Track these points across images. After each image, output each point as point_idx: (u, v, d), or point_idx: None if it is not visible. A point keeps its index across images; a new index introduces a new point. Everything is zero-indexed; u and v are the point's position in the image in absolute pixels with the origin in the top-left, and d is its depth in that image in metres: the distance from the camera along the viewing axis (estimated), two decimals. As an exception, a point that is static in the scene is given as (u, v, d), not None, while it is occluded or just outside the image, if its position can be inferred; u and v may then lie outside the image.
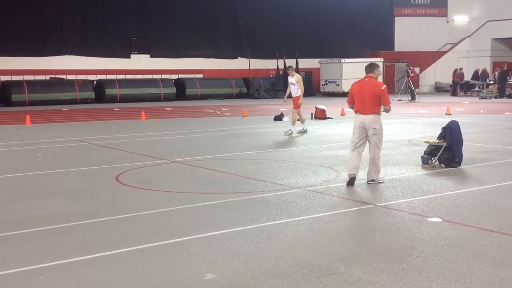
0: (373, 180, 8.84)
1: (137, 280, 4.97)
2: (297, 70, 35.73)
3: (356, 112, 8.82)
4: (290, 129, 15.69)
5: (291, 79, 16.20)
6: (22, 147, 14.00)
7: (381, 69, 10.01)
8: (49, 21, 31.64)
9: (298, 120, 16.21)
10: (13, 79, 29.69)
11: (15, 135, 16.67)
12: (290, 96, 16.42)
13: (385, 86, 8.79)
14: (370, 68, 8.95)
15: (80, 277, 5.06)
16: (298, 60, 35.87)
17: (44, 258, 5.51)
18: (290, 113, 16.62)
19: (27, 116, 19.96)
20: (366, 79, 8.91)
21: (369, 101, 8.61)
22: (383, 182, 8.87)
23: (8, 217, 7.22)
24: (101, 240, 6.16)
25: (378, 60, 37.35)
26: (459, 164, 10.13)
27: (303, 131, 15.97)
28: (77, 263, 5.41)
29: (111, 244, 5.93)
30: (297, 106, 15.88)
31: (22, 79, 29.68)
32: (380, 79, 32.05)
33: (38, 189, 8.98)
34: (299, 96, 15.97)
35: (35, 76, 30.51)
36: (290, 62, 35.20)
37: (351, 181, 8.69)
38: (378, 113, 8.67)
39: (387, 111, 8.89)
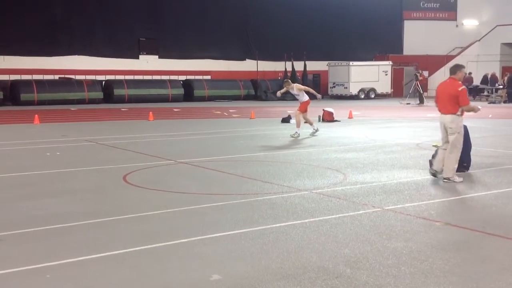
0: (447, 179, 9.12)
1: (142, 280, 4.97)
2: (305, 72, 35.92)
3: (439, 111, 9.35)
4: (296, 132, 15.67)
5: (292, 91, 16.30)
6: (30, 146, 14.06)
7: (466, 70, 10.36)
8: (58, 21, 31.82)
9: (305, 122, 16.23)
10: (22, 78, 29.88)
11: (23, 134, 16.75)
12: (293, 98, 16.60)
13: (463, 87, 9.07)
14: (453, 69, 9.32)
15: (87, 276, 5.07)
16: (306, 62, 35.87)
17: (51, 257, 5.53)
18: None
19: (36, 116, 20.07)
20: (448, 80, 9.31)
21: (447, 102, 9.09)
22: (458, 181, 9.07)
23: (15, 215, 7.25)
24: (107, 239, 6.17)
25: (387, 64, 37.43)
26: (467, 169, 10.08)
27: (316, 130, 16.12)
28: (83, 262, 5.42)
29: (117, 244, 5.94)
30: (302, 109, 15.91)
31: (31, 78, 29.87)
32: (388, 82, 31.90)
33: (45, 188, 9.01)
34: (309, 100, 16.08)
35: (44, 75, 30.70)
36: (299, 64, 35.29)
37: (433, 175, 9.37)
38: (455, 113, 9.03)
39: (467, 110, 9.25)
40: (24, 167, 10.92)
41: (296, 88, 16.14)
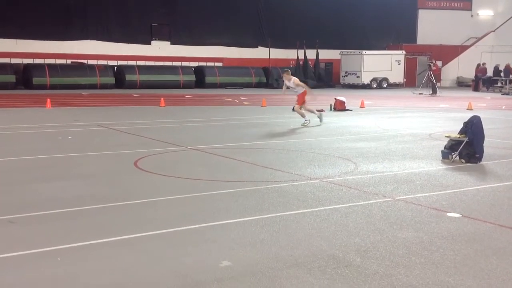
0: None
1: (152, 265, 4.99)
2: (317, 60, 35.69)
3: None
4: (306, 120, 15.56)
5: (288, 83, 15.81)
6: (42, 130, 14.13)
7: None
8: (72, 5, 31.83)
9: (310, 112, 16.08)
10: (35, 62, 29.98)
11: (36, 118, 16.83)
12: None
13: None
14: None
15: (97, 259, 5.10)
16: (319, 50, 35.64)
17: (62, 240, 5.56)
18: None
19: (48, 100, 20.14)
20: None
21: None
22: None
23: (27, 198, 7.30)
24: (118, 223, 6.20)
25: (400, 53, 37.09)
26: (480, 160, 10.02)
27: (308, 122, 15.57)
28: (94, 245, 5.45)
29: (128, 229, 5.96)
30: (300, 103, 15.69)
31: (43, 62, 29.94)
32: (401, 72, 31.69)
33: (57, 172, 9.06)
34: (305, 91, 15.68)
35: (56, 60, 30.77)
36: (311, 52, 35.07)
37: None
38: None
39: None
40: (36, 150, 10.97)
41: (294, 82, 15.77)
